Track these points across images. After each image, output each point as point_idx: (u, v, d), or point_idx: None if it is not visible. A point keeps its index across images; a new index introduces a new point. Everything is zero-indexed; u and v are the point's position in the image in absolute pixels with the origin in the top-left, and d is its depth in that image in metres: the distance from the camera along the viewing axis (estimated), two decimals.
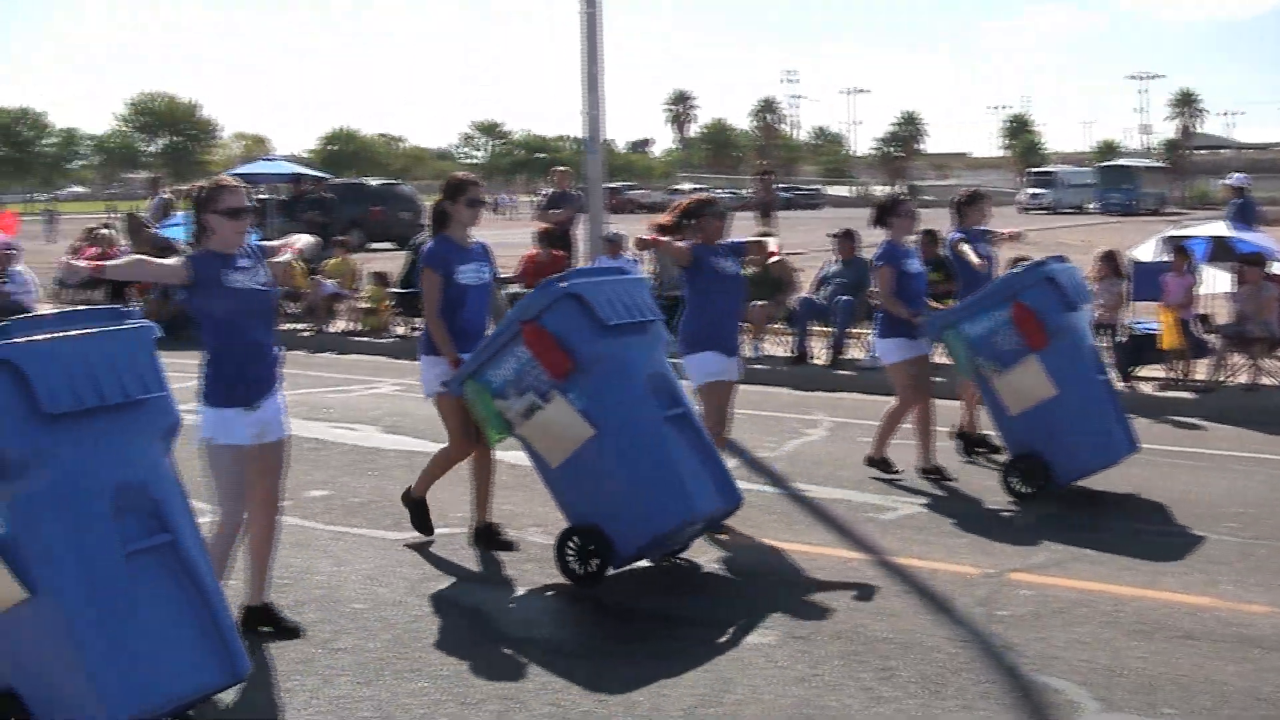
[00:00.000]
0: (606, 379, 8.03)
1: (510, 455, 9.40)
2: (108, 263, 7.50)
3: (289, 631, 7.24)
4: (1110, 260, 15.45)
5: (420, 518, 9.17)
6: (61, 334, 5.64)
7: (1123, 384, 14.04)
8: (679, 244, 9.37)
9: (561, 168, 23.31)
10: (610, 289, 8.25)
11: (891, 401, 10.85)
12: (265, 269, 7.12)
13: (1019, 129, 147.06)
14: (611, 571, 8.11)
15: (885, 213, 10.90)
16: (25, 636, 5.51)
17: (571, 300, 8.01)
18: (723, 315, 9.51)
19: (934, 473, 10.78)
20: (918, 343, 10.69)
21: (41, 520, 5.44)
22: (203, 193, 7.01)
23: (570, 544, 8.14)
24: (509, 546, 8.90)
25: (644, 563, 8.43)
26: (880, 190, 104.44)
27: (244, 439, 6.99)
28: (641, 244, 9.58)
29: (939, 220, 15.45)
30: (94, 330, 5.77)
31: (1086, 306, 10.60)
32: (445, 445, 8.97)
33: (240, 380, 6.96)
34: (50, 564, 5.42)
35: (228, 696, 6.31)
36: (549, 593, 8.05)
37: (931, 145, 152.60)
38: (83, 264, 7.42)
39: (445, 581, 8.28)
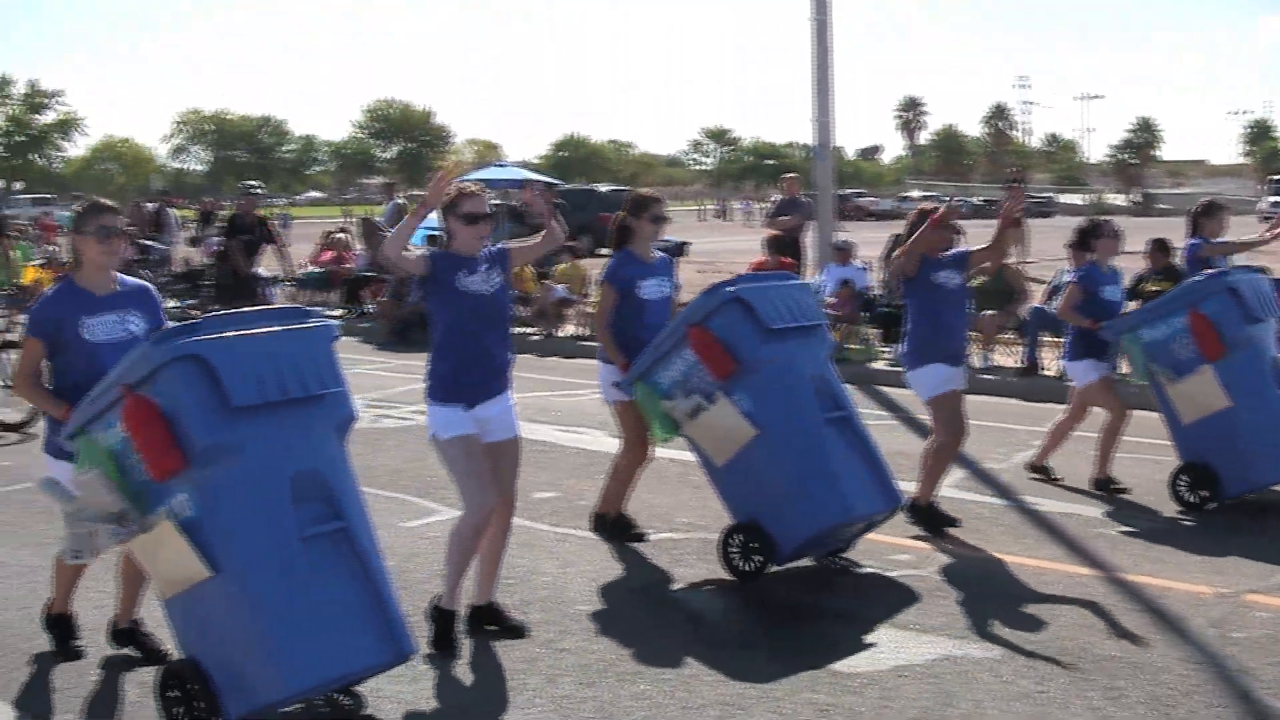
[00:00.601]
0: (770, 381, 8.21)
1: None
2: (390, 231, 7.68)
3: (513, 630, 7.38)
4: None
5: (622, 528, 9.32)
6: (248, 331, 5.97)
7: None
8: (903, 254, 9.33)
9: (790, 175, 23.27)
10: (775, 294, 8.42)
11: (1105, 418, 10.67)
12: (503, 275, 7.28)
13: (1260, 135, 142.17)
14: (773, 569, 8.26)
15: (1088, 235, 10.94)
16: (209, 612, 5.88)
17: (737, 304, 8.24)
18: (947, 326, 9.40)
19: (1105, 485, 10.64)
20: (1105, 364, 10.67)
21: (227, 505, 5.83)
22: (446, 197, 7.18)
23: (733, 540, 8.32)
24: (639, 538, 9.24)
25: (859, 568, 8.42)
26: (1113, 199, 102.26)
27: (469, 429, 7.14)
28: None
29: (1174, 229, 15.09)
30: (278, 328, 6.11)
31: (1273, 320, 10.30)
32: (621, 453, 9.24)
33: (461, 381, 7.14)
34: (234, 545, 5.79)
35: (458, 695, 6.47)
36: (769, 600, 8.06)
37: (1168, 152, 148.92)
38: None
39: (669, 585, 8.37)
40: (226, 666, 5.86)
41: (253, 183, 18.19)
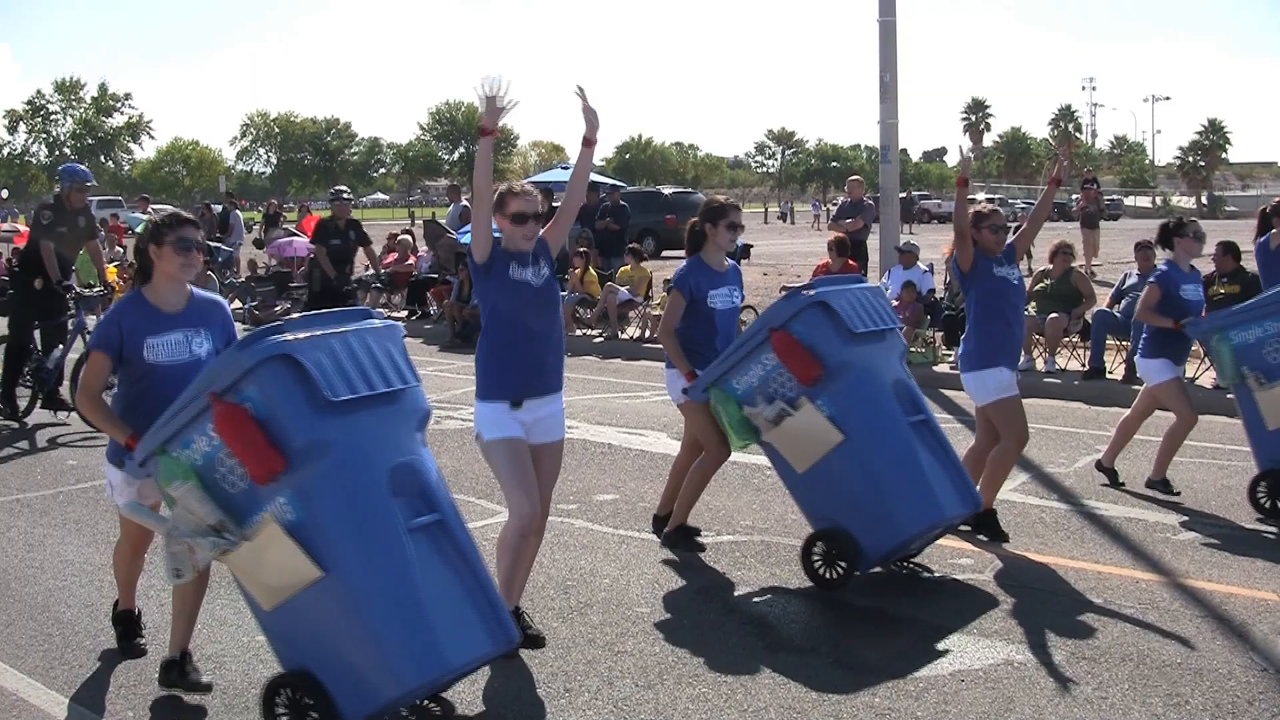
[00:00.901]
0: (854, 386, 8.15)
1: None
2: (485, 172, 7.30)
3: (533, 641, 7.22)
4: None
5: (686, 536, 9.24)
6: (327, 331, 5.99)
7: None
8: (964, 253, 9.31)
9: (855, 178, 23.24)
10: (853, 297, 8.38)
11: (1171, 421, 10.62)
12: (549, 265, 7.26)
13: None
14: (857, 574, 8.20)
15: (1170, 233, 10.84)
16: (317, 616, 5.81)
17: (819, 308, 8.17)
18: (1008, 326, 9.32)
19: (1161, 485, 10.64)
20: (1180, 366, 10.58)
21: (329, 503, 5.77)
22: (496, 196, 7.18)
23: (817, 547, 8.26)
24: (700, 547, 9.15)
25: (929, 574, 8.40)
26: (1180, 201, 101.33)
27: (515, 430, 7.08)
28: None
29: (1240, 232, 14.96)
30: (352, 327, 6.14)
31: None
32: (701, 459, 9.03)
33: (510, 372, 7.08)
34: (340, 543, 5.74)
35: (517, 696, 6.49)
36: (829, 604, 8.04)
37: (1236, 154, 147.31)
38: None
39: (729, 588, 8.36)
40: (341, 671, 5.79)
41: (342, 188, 18.21)
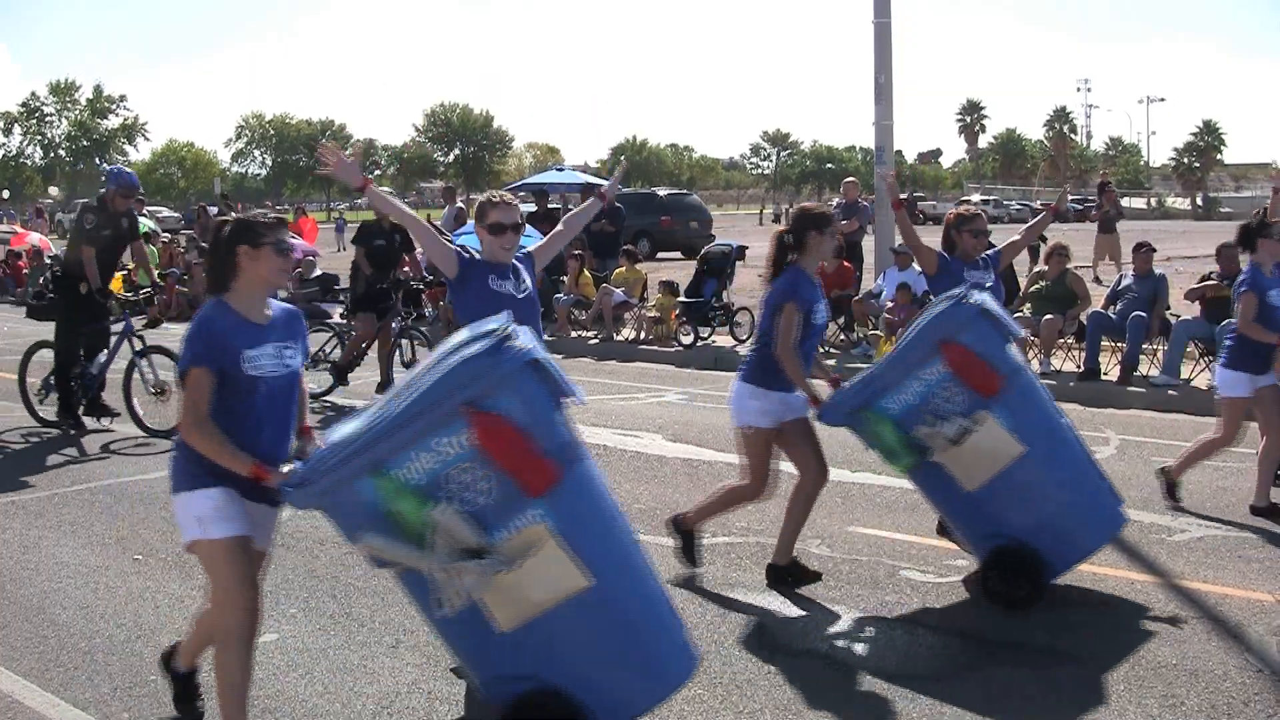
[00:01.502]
0: (1024, 393, 7.91)
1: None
2: (396, 204, 7.57)
3: None
4: None
5: (689, 549, 8.80)
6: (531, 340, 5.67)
7: None
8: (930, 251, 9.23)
9: (850, 179, 23.30)
10: (994, 299, 8.13)
11: (1211, 431, 10.31)
12: (532, 279, 7.23)
13: None
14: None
15: (1252, 234, 10.18)
16: (571, 628, 5.56)
17: (986, 316, 7.80)
18: None
19: (1266, 513, 9.90)
20: (1260, 379, 9.96)
21: (581, 509, 5.60)
22: (476, 206, 7.17)
23: (997, 566, 7.90)
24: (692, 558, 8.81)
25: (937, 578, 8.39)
26: (1175, 202, 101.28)
27: None
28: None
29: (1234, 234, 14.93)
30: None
31: None
32: (741, 483, 8.43)
33: None
34: (595, 549, 5.55)
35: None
36: (827, 607, 8.04)
37: (1231, 155, 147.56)
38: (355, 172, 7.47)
39: (727, 591, 8.36)
40: (594, 683, 5.56)
41: (386, 189, 17.97)
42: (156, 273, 15.76)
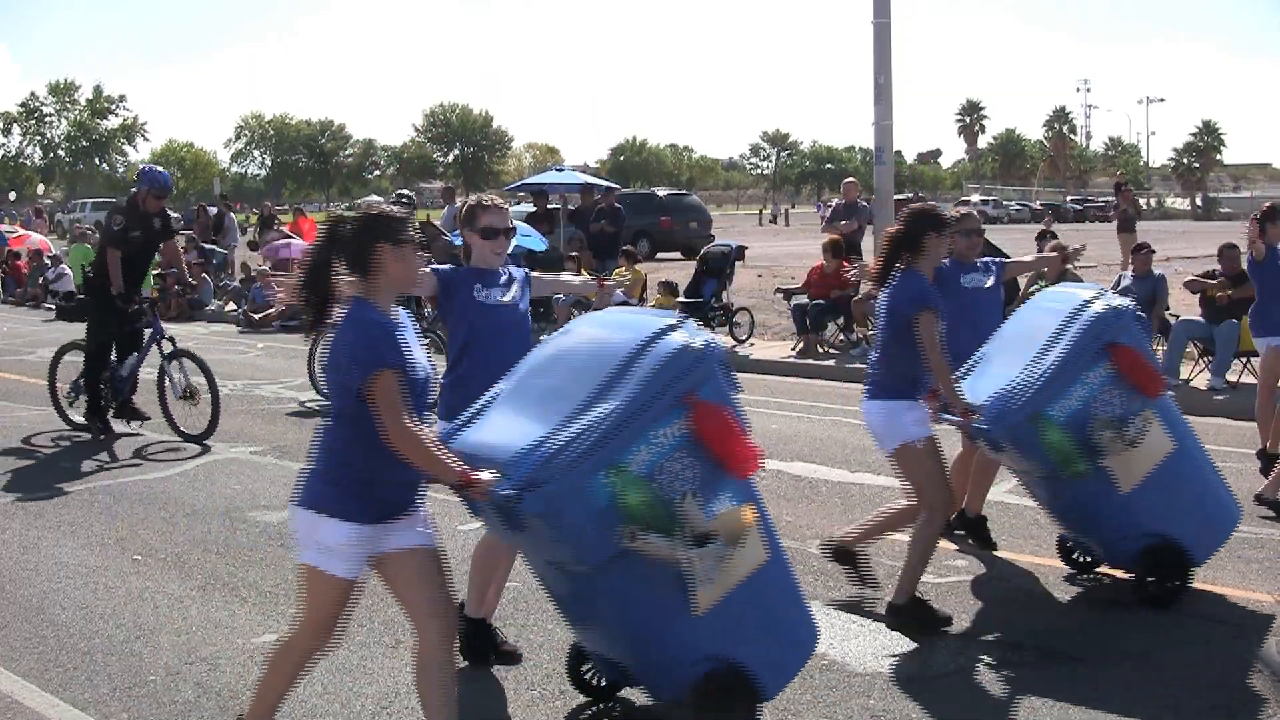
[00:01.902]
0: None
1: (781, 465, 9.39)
2: None
3: (506, 657, 7.06)
4: None
5: (851, 568, 8.29)
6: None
7: None
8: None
9: (850, 179, 23.32)
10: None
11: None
12: (525, 295, 7.07)
13: None
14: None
15: (1277, 213, 10.13)
16: (752, 604, 5.89)
17: (1135, 316, 7.88)
18: (975, 329, 8.68)
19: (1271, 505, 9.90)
20: None
21: (758, 492, 6.02)
22: (465, 209, 7.05)
23: (1150, 564, 7.83)
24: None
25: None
26: (1175, 203, 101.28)
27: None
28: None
29: (1235, 233, 14.98)
30: None
31: None
32: (918, 507, 7.78)
33: (475, 398, 6.23)
34: (766, 528, 5.95)
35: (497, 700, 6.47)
36: (825, 607, 8.01)
37: (1231, 155, 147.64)
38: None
39: None
40: (760, 656, 5.92)
41: (405, 192, 17.83)
42: (156, 272, 15.66)
